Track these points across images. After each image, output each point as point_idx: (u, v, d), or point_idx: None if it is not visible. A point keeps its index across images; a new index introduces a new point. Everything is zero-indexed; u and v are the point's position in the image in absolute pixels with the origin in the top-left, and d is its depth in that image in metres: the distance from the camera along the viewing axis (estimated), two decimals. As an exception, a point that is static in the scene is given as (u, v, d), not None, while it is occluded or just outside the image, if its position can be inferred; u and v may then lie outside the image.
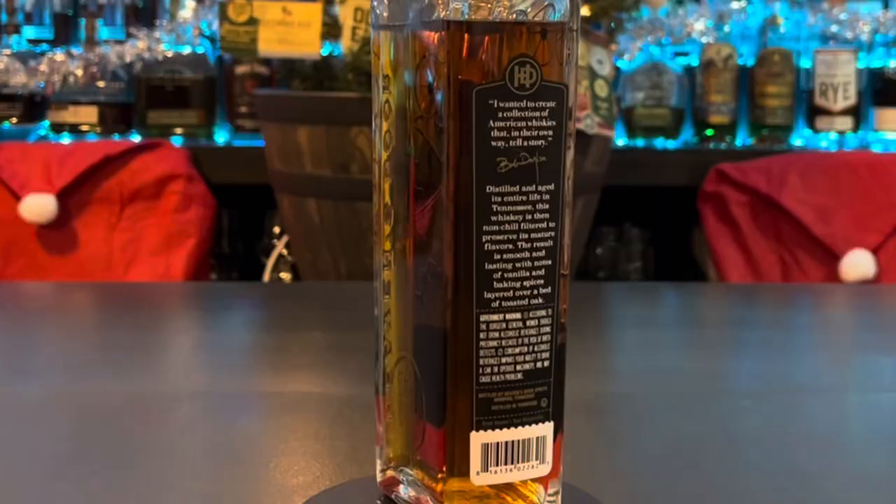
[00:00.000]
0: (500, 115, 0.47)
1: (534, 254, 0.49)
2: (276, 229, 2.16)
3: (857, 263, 1.87)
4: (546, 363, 0.49)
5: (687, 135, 2.19)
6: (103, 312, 1.13)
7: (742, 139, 2.18)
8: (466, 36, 0.47)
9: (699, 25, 2.08)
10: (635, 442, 0.69)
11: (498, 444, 0.49)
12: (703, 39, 2.11)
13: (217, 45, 1.97)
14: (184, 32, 2.10)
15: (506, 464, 0.49)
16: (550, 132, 0.48)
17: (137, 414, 0.74)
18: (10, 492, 0.59)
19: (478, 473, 0.49)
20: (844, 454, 0.67)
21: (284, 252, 2.04)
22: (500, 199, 0.48)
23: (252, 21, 1.74)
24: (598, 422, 0.74)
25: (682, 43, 2.13)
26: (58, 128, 2.17)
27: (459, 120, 0.47)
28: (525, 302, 0.49)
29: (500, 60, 0.47)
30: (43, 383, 0.83)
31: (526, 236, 0.48)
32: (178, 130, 2.16)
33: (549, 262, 0.49)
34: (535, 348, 0.49)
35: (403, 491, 0.53)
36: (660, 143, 2.16)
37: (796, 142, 2.17)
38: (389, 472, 0.54)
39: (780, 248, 1.95)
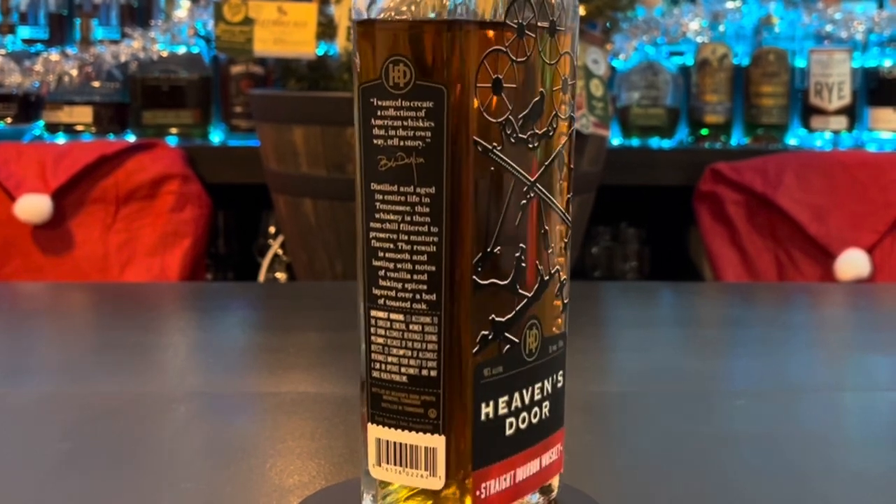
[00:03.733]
0: (378, 112, 0.48)
1: (414, 257, 0.48)
2: (272, 229, 2.16)
3: (853, 263, 1.88)
4: (433, 373, 0.48)
5: (682, 134, 2.20)
6: (99, 313, 1.13)
7: (737, 139, 2.19)
8: (362, 33, 0.48)
9: (694, 25, 2.08)
10: (631, 441, 0.69)
11: (388, 441, 0.49)
12: (699, 39, 2.11)
13: (212, 45, 1.97)
14: (179, 32, 2.10)
15: (395, 464, 0.49)
16: (428, 133, 0.47)
17: (133, 414, 0.74)
18: (7, 492, 0.59)
19: (373, 466, 0.50)
20: (840, 453, 0.68)
21: (280, 252, 2.04)
22: (381, 196, 0.48)
23: (247, 21, 1.74)
24: (594, 421, 0.74)
25: (678, 42, 2.13)
26: (53, 128, 2.17)
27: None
28: (407, 305, 0.48)
29: (381, 59, 0.47)
30: (39, 384, 0.83)
31: (406, 238, 0.48)
32: (174, 130, 2.16)
33: (433, 269, 0.47)
34: (420, 355, 0.48)
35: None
36: (655, 142, 2.16)
37: (791, 141, 2.17)
38: None
39: (775, 247, 1.96)
